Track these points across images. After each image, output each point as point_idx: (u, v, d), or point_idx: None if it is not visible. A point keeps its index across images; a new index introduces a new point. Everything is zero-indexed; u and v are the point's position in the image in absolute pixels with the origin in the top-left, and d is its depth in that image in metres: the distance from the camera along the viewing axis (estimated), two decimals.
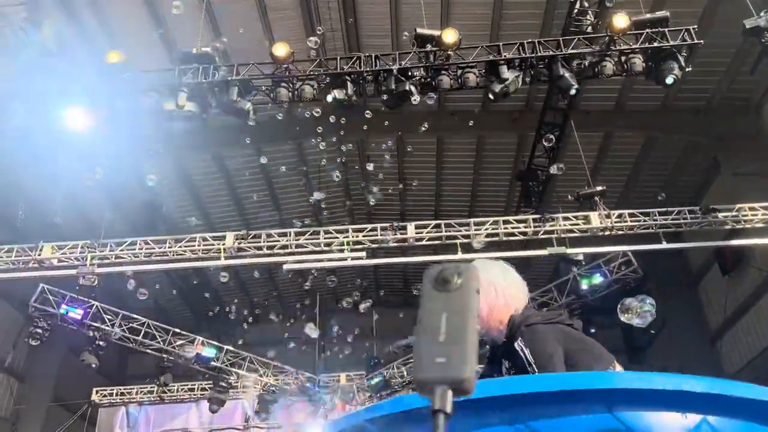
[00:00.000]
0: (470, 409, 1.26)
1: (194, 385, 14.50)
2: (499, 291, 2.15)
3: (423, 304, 0.76)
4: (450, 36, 8.54)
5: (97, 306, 11.13)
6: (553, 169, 9.52)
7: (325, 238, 9.91)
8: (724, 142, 12.57)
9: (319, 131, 11.70)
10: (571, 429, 1.24)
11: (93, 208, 14.40)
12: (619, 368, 2.04)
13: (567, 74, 8.62)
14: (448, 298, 0.75)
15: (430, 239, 9.77)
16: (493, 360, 2.23)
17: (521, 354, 1.95)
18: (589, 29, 9.52)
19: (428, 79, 8.98)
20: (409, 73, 8.85)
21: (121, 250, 10.16)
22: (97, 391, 14.77)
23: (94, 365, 11.28)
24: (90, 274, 9.95)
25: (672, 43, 8.60)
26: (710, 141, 12.84)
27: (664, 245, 9.82)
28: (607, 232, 9.90)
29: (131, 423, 14.72)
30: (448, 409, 0.70)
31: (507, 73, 8.59)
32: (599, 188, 10.37)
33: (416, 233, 9.71)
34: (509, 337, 2.08)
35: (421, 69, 8.92)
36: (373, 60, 8.97)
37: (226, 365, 12.45)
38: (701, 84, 12.14)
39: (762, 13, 8.79)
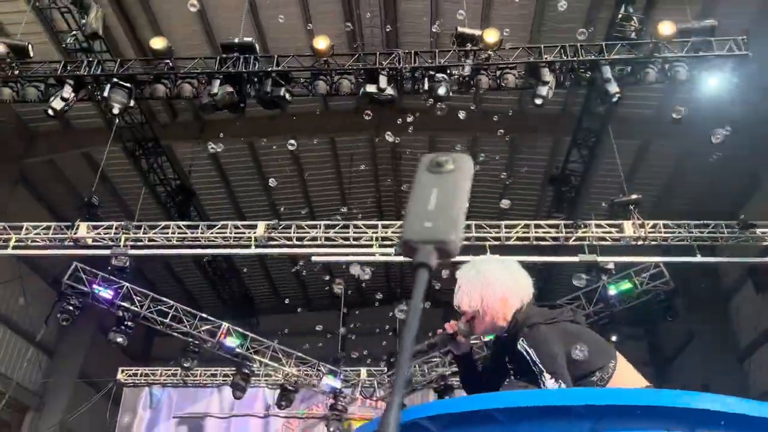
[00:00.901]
0: (458, 424, 1.31)
1: (217, 371, 14.68)
2: (499, 286, 2.15)
3: (416, 182, 0.80)
4: (491, 36, 8.50)
5: (127, 287, 11.33)
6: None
7: (354, 233, 9.93)
8: (764, 157, 12.27)
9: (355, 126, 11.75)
10: None
11: (128, 191, 14.70)
12: (621, 362, 2.04)
13: (611, 79, 8.49)
14: (440, 179, 0.79)
15: None
16: (496, 352, 2.27)
17: (525, 355, 1.96)
18: (633, 35, 9.39)
19: (467, 78, 8.96)
20: (448, 71, 8.83)
21: (155, 233, 10.32)
22: (122, 371, 15.06)
23: (121, 344, 11.48)
24: (123, 255, 10.12)
25: (718, 52, 8.44)
26: (749, 154, 12.54)
27: (699, 258, 9.64)
28: (641, 242, 9.75)
29: (154, 404, 14.97)
30: (433, 263, 0.73)
31: (548, 76, 8.50)
32: (634, 197, 10.22)
33: None
34: (512, 334, 2.10)
35: (460, 68, 8.89)
36: (413, 57, 8.97)
37: (250, 353, 12.57)
38: (745, 95, 11.86)
39: None
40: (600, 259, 9.87)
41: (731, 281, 15.04)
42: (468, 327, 2.19)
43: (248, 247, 10.24)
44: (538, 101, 8.49)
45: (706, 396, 1.22)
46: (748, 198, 13.14)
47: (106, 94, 8.60)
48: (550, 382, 1.88)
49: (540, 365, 1.91)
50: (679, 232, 9.77)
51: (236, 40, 9.13)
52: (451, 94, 8.72)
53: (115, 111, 8.83)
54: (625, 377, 2.00)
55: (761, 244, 9.82)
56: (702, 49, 8.47)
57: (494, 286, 2.14)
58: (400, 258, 10.28)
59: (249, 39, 9.15)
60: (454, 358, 2.36)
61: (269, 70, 9.01)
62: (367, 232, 9.90)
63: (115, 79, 8.71)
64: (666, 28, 8.54)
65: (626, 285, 10.86)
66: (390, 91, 8.84)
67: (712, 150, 12.92)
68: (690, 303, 15.02)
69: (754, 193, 12.86)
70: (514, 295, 2.15)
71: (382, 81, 8.76)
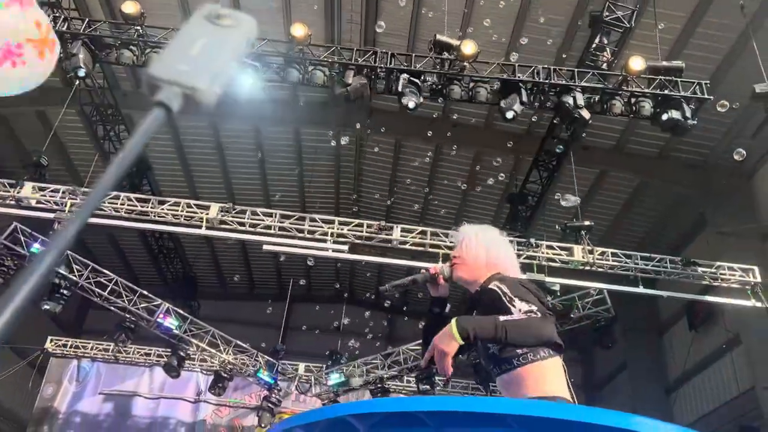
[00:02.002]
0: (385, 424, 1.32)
1: (151, 350, 14.33)
2: (498, 249, 2.28)
3: (186, 25, 0.72)
4: (469, 47, 8.56)
5: (67, 254, 10.94)
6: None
7: (310, 226, 9.84)
8: (713, 200, 12.75)
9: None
10: None
11: (80, 157, 14.23)
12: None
13: (582, 106, 8.66)
14: (215, 30, 0.72)
15: (414, 244, 9.76)
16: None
17: (497, 290, 2.06)
18: (604, 66, 9.60)
19: (439, 87, 9.00)
20: (422, 78, 8.86)
21: (103, 203, 9.98)
22: (51, 340, 14.54)
23: (54, 312, 11.07)
24: (67, 221, 9.76)
25: (683, 93, 8.70)
26: (700, 196, 13.00)
27: (641, 290, 9.90)
28: (588, 267, 9.97)
29: (81, 377, 14.50)
30: (174, 107, 0.67)
31: (523, 96, 8.62)
32: (587, 223, 10.44)
33: (401, 236, 9.70)
34: (483, 289, 2.17)
35: (435, 75, 8.93)
36: (389, 58, 8.95)
37: (188, 335, 12.31)
38: (701, 139, 12.30)
39: None
40: (547, 279, 10.03)
41: (668, 315, 15.55)
42: (450, 271, 2.26)
43: (199, 227, 10.02)
44: (510, 114, 8.58)
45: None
46: (694, 237, 13.62)
47: (75, 51, 8.29)
48: (520, 304, 1.97)
49: (510, 294, 2.01)
50: (626, 262, 10.02)
51: None
52: (420, 103, 8.74)
53: (81, 73, 8.54)
54: None
55: (701, 282, 10.16)
56: (668, 88, 8.71)
57: (495, 247, 2.27)
58: (352, 256, 10.25)
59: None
60: (429, 308, 2.38)
61: None
62: (322, 227, 9.82)
63: (84, 39, 8.42)
64: (636, 63, 8.77)
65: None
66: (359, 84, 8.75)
67: (666, 186, 13.39)
68: (626, 332, 15.48)
69: (699, 233, 13.33)
70: (503, 263, 2.25)
71: (349, 76, 8.71)
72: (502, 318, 1.89)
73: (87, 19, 8.92)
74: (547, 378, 1.92)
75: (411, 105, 8.58)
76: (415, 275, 2.32)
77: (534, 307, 1.96)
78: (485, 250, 2.24)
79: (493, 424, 1.29)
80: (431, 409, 1.32)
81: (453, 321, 1.90)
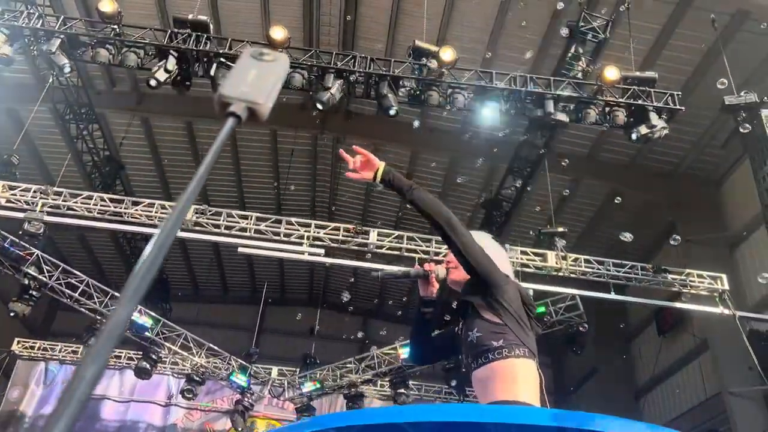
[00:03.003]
0: None
1: (121, 353, 14.10)
2: (493, 253, 2.23)
3: (238, 62, 0.97)
4: (448, 54, 8.62)
5: (38, 254, 10.73)
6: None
7: (286, 229, 9.80)
8: (682, 208, 13.02)
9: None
10: None
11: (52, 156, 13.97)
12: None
13: (560, 110, 8.79)
14: (261, 65, 0.96)
15: (389, 248, 9.78)
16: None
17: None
18: (580, 75, 9.75)
19: (418, 92, 9.04)
20: (401, 83, 8.89)
21: (75, 203, 9.83)
22: (19, 342, 14.23)
23: (22, 314, 10.83)
24: (37, 221, 9.59)
25: (655, 104, 8.87)
26: (670, 204, 13.27)
27: (613, 296, 10.06)
28: (561, 273, 10.09)
29: (48, 380, 14.21)
30: (243, 116, 0.89)
31: (501, 104, 8.73)
32: (560, 229, 10.58)
33: (378, 240, 9.71)
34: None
35: (413, 81, 8.97)
36: (368, 62, 8.97)
37: (160, 338, 12.16)
38: (672, 149, 12.57)
39: (742, 93, 9.18)
40: (521, 285, 10.12)
41: (638, 321, 15.81)
42: (445, 273, 2.28)
43: None
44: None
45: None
46: (663, 244, 13.88)
47: (53, 50, 8.16)
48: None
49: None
50: (598, 269, 10.17)
51: (190, 17, 8.88)
52: (398, 109, 8.78)
53: (67, 70, 8.44)
54: None
55: (670, 289, 10.36)
56: (642, 98, 8.88)
57: (489, 253, 2.23)
58: (328, 260, 10.24)
59: (204, 17, 8.92)
60: (418, 308, 2.38)
61: (220, 51, 8.80)
62: (299, 230, 9.79)
63: (62, 37, 8.29)
64: (611, 72, 8.91)
65: (540, 308, 11.19)
66: (336, 93, 8.78)
67: (638, 194, 13.63)
68: (597, 338, 15.69)
69: (668, 241, 13.57)
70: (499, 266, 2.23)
71: (328, 80, 8.72)
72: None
73: (62, 17, 8.78)
74: (518, 379, 1.93)
75: (392, 112, 8.63)
76: (410, 268, 2.32)
77: (503, 273, 2.10)
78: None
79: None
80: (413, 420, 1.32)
81: (383, 164, 2.14)
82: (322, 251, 9.51)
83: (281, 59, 1.00)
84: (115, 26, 8.68)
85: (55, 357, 14.27)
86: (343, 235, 9.66)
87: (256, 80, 0.93)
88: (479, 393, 1.98)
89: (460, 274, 2.22)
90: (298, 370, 13.45)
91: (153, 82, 8.52)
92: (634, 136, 8.88)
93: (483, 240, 2.29)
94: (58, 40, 8.24)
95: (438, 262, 2.34)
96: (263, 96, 0.91)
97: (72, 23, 8.70)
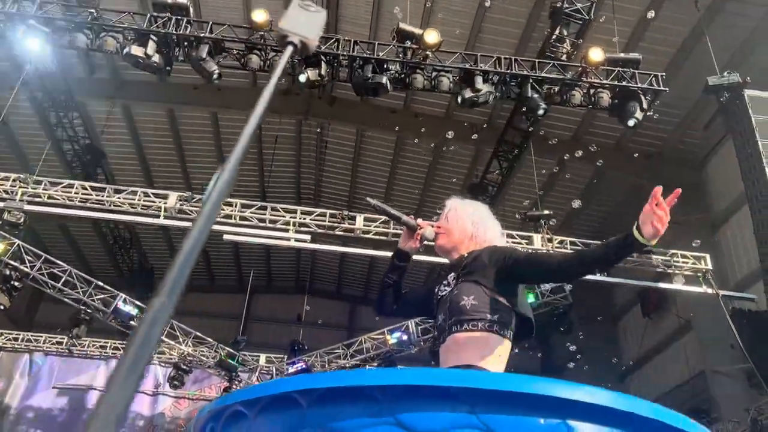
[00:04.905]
0: (338, 399, 1.25)
1: (107, 342, 13.99)
2: (473, 226, 2.22)
3: (291, 8, 1.22)
4: (432, 37, 8.55)
5: (18, 245, 10.56)
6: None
7: (271, 215, 9.73)
8: (667, 189, 13.07)
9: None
10: (435, 423, 1.25)
11: (31, 144, 13.73)
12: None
13: (537, 96, 8.76)
14: (308, 14, 1.23)
15: (376, 234, 9.74)
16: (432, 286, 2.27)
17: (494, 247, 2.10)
18: (564, 57, 9.72)
19: (402, 75, 8.97)
20: (385, 66, 8.81)
21: (56, 191, 9.68)
22: (2, 334, 14.05)
23: (4, 306, 10.68)
24: (17, 210, 9.43)
25: (640, 85, 8.88)
26: (655, 185, 13.32)
27: (599, 277, 10.11)
28: None
29: (33, 371, 14.06)
30: (298, 45, 1.19)
31: (481, 84, 8.66)
32: (546, 212, 10.60)
33: (364, 225, 9.67)
34: (471, 252, 2.14)
35: (398, 64, 8.90)
36: (351, 45, 8.88)
37: None
38: (656, 131, 12.62)
39: (725, 73, 9.22)
40: None
41: (623, 302, 15.97)
42: (432, 235, 2.24)
43: (157, 216, 9.80)
44: (460, 100, 8.65)
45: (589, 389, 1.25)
46: None
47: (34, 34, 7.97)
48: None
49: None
50: None
51: (170, 0, 8.71)
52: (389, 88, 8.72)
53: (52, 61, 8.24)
54: None
55: (655, 270, 10.44)
56: (626, 80, 8.88)
57: (483, 223, 2.22)
58: (314, 245, 10.19)
59: (183, 0, 8.75)
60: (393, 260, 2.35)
61: (201, 35, 8.66)
62: (284, 216, 9.72)
63: (32, 21, 8.09)
64: (596, 54, 8.90)
65: (530, 298, 11.24)
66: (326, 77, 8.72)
67: (621, 176, 13.70)
68: (582, 320, 15.82)
69: None
70: (491, 241, 2.19)
71: (323, 68, 8.63)
72: None
73: (38, 1, 8.58)
74: (494, 353, 1.90)
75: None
76: (403, 215, 2.29)
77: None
78: (472, 224, 2.21)
79: (443, 397, 1.24)
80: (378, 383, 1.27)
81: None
82: (309, 237, 9.45)
83: (322, 12, 1.25)
84: (93, 10, 8.51)
85: (39, 348, 14.10)
86: (329, 221, 9.60)
87: (305, 22, 1.21)
88: (452, 351, 1.95)
89: (448, 241, 2.20)
90: (286, 357, 13.43)
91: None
92: (631, 122, 8.87)
93: (482, 210, 2.27)
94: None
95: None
96: (313, 34, 1.20)
97: (48, 8, 8.50)
